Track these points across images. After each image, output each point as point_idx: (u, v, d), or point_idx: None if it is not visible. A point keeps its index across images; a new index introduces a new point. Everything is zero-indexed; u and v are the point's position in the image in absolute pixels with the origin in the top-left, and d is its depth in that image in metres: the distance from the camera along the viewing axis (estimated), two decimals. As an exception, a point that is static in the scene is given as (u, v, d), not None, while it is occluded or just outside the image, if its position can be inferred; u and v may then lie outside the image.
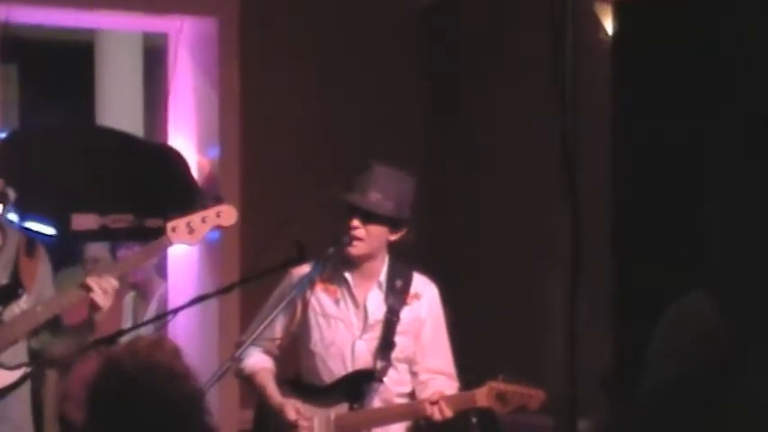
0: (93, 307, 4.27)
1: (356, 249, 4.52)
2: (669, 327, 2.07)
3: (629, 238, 5.18)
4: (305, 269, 4.53)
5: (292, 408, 4.53)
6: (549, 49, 5.22)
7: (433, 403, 4.42)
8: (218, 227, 4.49)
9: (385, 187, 4.51)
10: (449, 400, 4.47)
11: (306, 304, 4.58)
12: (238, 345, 4.54)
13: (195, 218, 4.40)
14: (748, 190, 1.87)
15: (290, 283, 4.56)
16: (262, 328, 4.40)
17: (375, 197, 4.48)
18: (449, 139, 6.58)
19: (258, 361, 4.66)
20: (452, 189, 6.51)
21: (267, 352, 4.68)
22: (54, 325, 4.38)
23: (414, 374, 4.61)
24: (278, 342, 4.66)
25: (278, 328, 4.63)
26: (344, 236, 4.53)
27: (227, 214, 4.48)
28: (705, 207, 1.97)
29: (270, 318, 4.42)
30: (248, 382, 4.72)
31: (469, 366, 4.75)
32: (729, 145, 1.91)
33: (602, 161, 5.30)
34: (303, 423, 4.51)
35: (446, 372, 4.62)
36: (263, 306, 4.58)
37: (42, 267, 4.44)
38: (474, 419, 5.41)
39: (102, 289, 4.24)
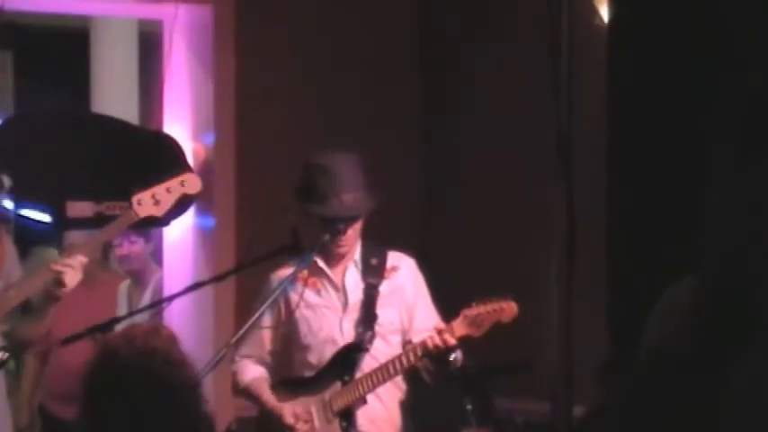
0: (60, 284, 4.25)
1: (347, 248, 4.58)
2: (661, 313, 2.07)
3: (625, 225, 5.18)
4: (285, 271, 4.55)
5: (290, 412, 4.57)
6: (545, 35, 5.21)
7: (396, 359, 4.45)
8: (184, 195, 4.46)
9: (350, 181, 4.51)
10: (428, 341, 4.45)
11: (289, 304, 4.61)
12: (238, 357, 4.66)
13: (160, 189, 4.38)
14: (743, 182, 1.88)
15: (271, 287, 4.58)
16: (252, 320, 4.41)
17: (351, 198, 4.50)
18: (446, 126, 6.58)
19: (250, 371, 4.70)
20: (449, 173, 6.51)
21: (260, 362, 4.72)
22: (23, 305, 4.37)
23: (409, 343, 4.62)
24: (269, 348, 4.69)
25: (266, 335, 4.67)
26: (336, 246, 4.54)
27: (191, 182, 4.46)
28: (700, 197, 1.97)
29: (259, 311, 4.44)
30: (244, 395, 4.78)
31: (463, 353, 4.75)
32: (726, 138, 1.91)
33: (598, 147, 5.30)
34: (303, 427, 4.54)
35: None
36: (249, 314, 4.55)
37: (7, 248, 4.41)
38: (469, 406, 5.44)
39: (71, 266, 4.23)
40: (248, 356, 4.70)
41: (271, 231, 4.53)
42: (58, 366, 6.32)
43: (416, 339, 4.57)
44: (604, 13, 5.47)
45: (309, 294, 4.63)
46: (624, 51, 5.22)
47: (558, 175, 5.06)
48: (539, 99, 5.50)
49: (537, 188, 5.63)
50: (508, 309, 4.46)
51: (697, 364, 1.87)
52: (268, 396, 4.64)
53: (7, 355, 4.32)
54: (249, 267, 4.79)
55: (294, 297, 4.60)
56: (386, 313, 4.61)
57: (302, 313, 4.62)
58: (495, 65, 6.27)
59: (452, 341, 4.41)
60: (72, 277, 4.24)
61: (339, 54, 6.52)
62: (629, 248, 5.14)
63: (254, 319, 4.42)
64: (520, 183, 6.03)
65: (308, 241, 4.56)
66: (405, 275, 4.67)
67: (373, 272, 4.63)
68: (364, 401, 4.56)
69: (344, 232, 4.52)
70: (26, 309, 4.39)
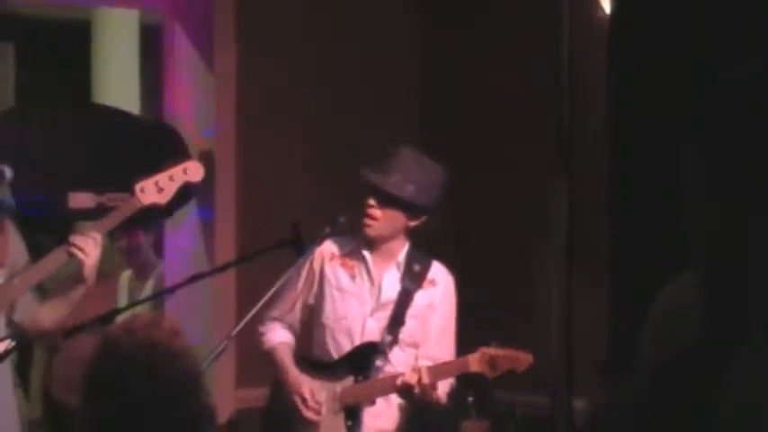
0: (80, 263, 4.23)
1: (371, 230, 4.56)
2: (661, 310, 2.07)
3: (626, 221, 5.18)
4: (327, 244, 4.60)
5: (308, 386, 4.59)
6: (547, 29, 5.21)
7: (415, 370, 4.46)
8: (187, 183, 4.46)
9: (408, 171, 4.52)
10: (442, 367, 4.51)
11: (323, 277, 4.63)
12: (268, 319, 4.70)
13: (163, 177, 4.38)
14: (725, 179, 1.88)
15: (305, 256, 4.61)
16: (261, 303, 4.42)
17: (395, 179, 4.50)
18: (447, 122, 6.57)
19: (278, 335, 4.73)
20: (450, 170, 6.50)
21: (289, 327, 4.75)
22: (40, 292, 4.35)
23: (416, 359, 4.63)
24: (298, 316, 4.73)
25: (298, 303, 4.71)
26: (341, 216, 4.56)
27: (193, 170, 4.46)
28: (684, 195, 1.97)
29: (270, 293, 4.45)
30: (268, 356, 4.77)
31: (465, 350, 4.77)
32: (712, 132, 1.92)
33: (599, 141, 5.30)
34: (314, 405, 4.55)
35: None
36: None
37: (13, 240, 4.39)
38: (470, 398, 5.44)
39: (84, 243, 4.20)
40: (279, 320, 4.73)
41: (272, 224, 4.54)
42: (69, 356, 6.32)
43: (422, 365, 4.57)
44: (606, 5, 5.46)
45: (343, 276, 4.64)
46: (626, 43, 5.22)
47: (559, 171, 5.07)
48: (540, 95, 5.51)
49: (538, 186, 5.64)
50: (524, 360, 4.50)
51: (701, 366, 1.87)
52: (290, 364, 4.67)
53: (14, 344, 4.31)
54: (250, 259, 4.80)
55: (327, 273, 4.63)
56: (410, 323, 4.61)
57: (331, 292, 4.64)
58: (496, 61, 6.26)
59: (475, 369, 4.48)
60: (89, 253, 4.21)
61: (340, 47, 6.51)
62: (630, 245, 5.14)
63: (261, 303, 4.41)
64: (520, 180, 6.02)
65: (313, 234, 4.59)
66: (440, 295, 4.67)
67: (413, 278, 4.62)
68: (373, 402, 4.58)
69: (371, 206, 4.52)
70: (44, 296, 4.38)
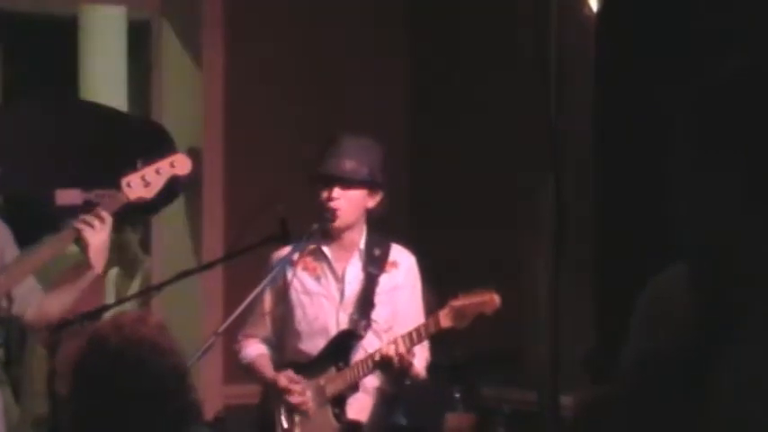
0: (83, 242, 4.17)
1: (339, 221, 4.59)
2: (648, 301, 2.08)
3: (612, 213, 5.19)
4: (285, 251, 4.58)
5: (284, 376, 4.60)
6: (534, 25, 5.21)
7: (391, 342, 4.47)
8: (174, 176, 4.42)
9: (356, 154, 4.59)
10: (416, 331, 4.49)
11: (287, 285, 4.63)
12: (242, 336, 4.73)
13: (149, 170, 4.32)
14: (702, 183, 1.89)
15: (270, 268, 4.61)
16: (244, 305, 4.43)
17: (350, 165, 4.55)
18: (432, 115, 6.58)
19: (255, 349, 4.75)
20: (435, 162, 6.51)
21: (265, 341, 4.76)
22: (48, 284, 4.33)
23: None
24: (270, 329, 4.75)
25: (268, 317, 4.71)
26: (325, 212, 4.58)
27: (180, 163, 4.40)
28: (674, 186, 1.98)
29: (251, 296, 4.46)
30: (249, 372, 4.80)
31: (451, 343, 4.78)
32: (684, 138, 1.93)
33: (587, 137, 5.31)
34: (294, 387, 4.57)
35: None
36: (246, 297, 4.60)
37: (2, 235, 4.36)
38: (457, 394, 5.45)
39: (89, 224, 4.15)
40: (252, 336, 4.75)
41: (260, 221, 4.54)
42: (71, 352, 6.31)
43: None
44: (593, 2, 5.47)
45: (308, 280, 4.65)
46: (613, 40, 5.23)
47: (547, 165, 5.07)
48: (529, 90, 5.51)
49: (526, 180, 5.65)
50: (490, 301, 4.47)
51: (691, 367, 1.88)
52: (268, 369, 4.68)
53: (0, 341, 4.29)
54: (237, 256, 4.80)
55: (293, 280, 4.63)
56: (380, 312, 4.63)
57: (299, 298, 4.65)
58: (485, 60, 6.26)
59: (447, 324, 4.45)
60: (93, 235, 4.14)
61: (328, 44, 6.52)
62: (616, 238, 5.15)
63: (248, 300, 4.43)
64: (508, 175, 6.03)
65: (301, 230, 4.58)
66: (403, 276, 4.70)
67: (375, 262, 4.65)
68: (356, 389, 4.59)
69: (336, 198, 4.54)
70: (50, 285, 4.35)
